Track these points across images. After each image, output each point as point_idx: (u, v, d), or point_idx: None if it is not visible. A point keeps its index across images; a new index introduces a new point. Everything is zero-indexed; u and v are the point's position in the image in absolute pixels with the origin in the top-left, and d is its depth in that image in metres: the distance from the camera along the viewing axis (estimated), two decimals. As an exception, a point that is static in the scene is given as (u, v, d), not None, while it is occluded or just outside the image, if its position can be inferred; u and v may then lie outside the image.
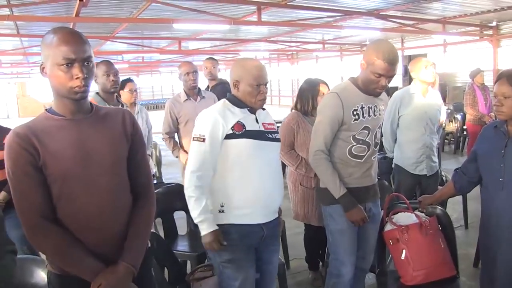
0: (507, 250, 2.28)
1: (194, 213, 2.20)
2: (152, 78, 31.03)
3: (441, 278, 2.64)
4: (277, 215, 2.43)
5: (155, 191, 3.36)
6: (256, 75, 2.28)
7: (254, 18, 9.42)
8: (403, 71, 14.80)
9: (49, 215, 1.62)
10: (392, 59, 2.40)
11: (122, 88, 4.73)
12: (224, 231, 2.24)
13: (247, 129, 2.25)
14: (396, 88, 8.02)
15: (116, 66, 3.59)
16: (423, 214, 2.77)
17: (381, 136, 3.01)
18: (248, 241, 2.30)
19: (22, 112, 28.30)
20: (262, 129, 2.33)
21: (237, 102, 2.31)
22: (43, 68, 1.64)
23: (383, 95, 2.69)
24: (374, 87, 2.49)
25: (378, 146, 2.72)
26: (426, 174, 3.78)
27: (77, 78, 1.59)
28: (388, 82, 2.47)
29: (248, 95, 2.28)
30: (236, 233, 2.25)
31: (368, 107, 2.55)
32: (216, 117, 2.22)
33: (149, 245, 1.90)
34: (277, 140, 2.41)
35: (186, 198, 2.23)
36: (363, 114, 2.53)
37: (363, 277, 2.89)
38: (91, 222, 1.66)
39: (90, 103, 1.76)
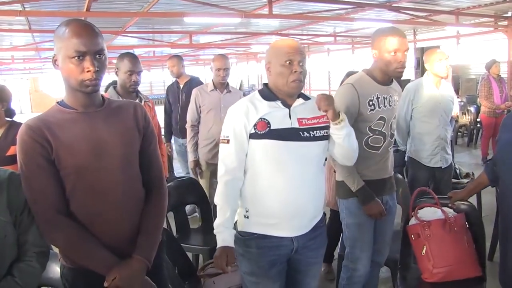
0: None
1: (215, 222, 2.02)
2: (163, 72, 31.01)
3: (464, 278, 2.53)
4: (314, 224, 2.13)
5: (167, 184, 3.42)
6: (287, 51, 1.98)
7: (266, 11, 9.35)
8: (415, 63, 14.64)
9: (63, 209, 1.62)
10: (398, 32, 2.44)
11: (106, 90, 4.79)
12: (245, 240, 2.07)
13: (272, 127, 1.97)
14: (408, 81, 7.93)
15: None
16: (451, 210, 2.68)
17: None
18: (274, 253, 2.06)
19: (35, 108, 28.53)
20: (296, 125, 2.00)
21: (267, 93, 2.05)
22: (55, 60, 1.63)
23: (397, 86, 2.67)
24: (394, 67, 2.45)
25: (394, 137, 2.70)
26: (440, 167, 3.73)
27: (88, 71, 1.58)
28: (405, 58, 2.45)
29: (280, 77, 1.99)
30: (256, 245, 2.04)
31: (383, 97, 2.52)
32: (238, 114, 2.00)
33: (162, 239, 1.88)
34: (319, 138, 2.05)
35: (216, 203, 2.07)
36: (378, 104, 2.50)
37: (377, 270, 2.87)
38: (105, 215, 1.66)
39: (102, 96, 1.75)
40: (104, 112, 1.71)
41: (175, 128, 5.18)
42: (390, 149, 2.66)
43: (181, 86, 5.12)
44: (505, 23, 12.53)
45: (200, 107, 4.21)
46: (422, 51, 14.03)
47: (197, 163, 4.28)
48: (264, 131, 1.97)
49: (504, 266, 2.37)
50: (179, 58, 5.31)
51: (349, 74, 3.50)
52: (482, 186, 2.75)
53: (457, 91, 11.06)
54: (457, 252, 2.54)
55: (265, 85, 2.12)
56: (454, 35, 14.67)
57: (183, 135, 4.83)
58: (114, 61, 3.41)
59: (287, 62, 1.98)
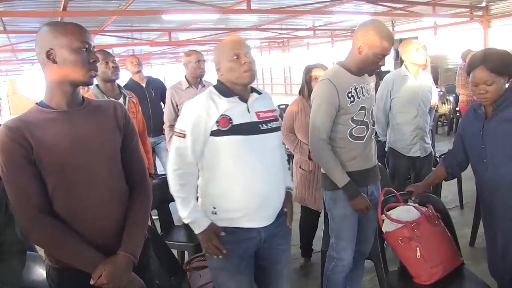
0: (504, 228, 2.31)
1: (183, 214, 2.04)
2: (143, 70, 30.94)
3: (452, 269, 2.50)
4: (280, 215, 2.18)
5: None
6: (231, 46, 2.05)
7: (244, 6, 9.37)
8: (394, 54, 14.77)
9: (46, 209, 1.61)
10: (392, 38, 2.43)
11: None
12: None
13: (234, 123, 2.00)
14: (388, 72, 8.02)
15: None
16: (417, 204, 2.65)
17: None
18: (243, 246, 2.09)
19: (13, 110, 28.04)
20: (255, 119, 2.06)
21: (224, 90, 2.07)
22: (50, 55, 1.63)
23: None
24: (373, 68, 2.49)
25: (375, 125, 2.73)
26: (420, 156, 3.81)
27: (93, 61, 1.67)
28: (384, 63, 2.49)
29: (231, 72, 2.04)
30: (226, 241, 2.05)
31: (361, 87, 2.54)
32: (198, 111, 2.00)
33: (147, 235, 1.89)
34: (275, 129, 2.13)
35: (174, 198, 2.08)
36: (357, 95, 2.52)
37: (362, 261, 2.91)
38: (90, 213, 1.66)
39: (82, 97, 1.77)
40: (84, 110, 1.72)
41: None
42: (373, 137, 2.69)
43: (143, 84, 5.05)
44: (480, 13, 12.79)
45: (177, 105, 4.18)
46: (400, 42, 14.16)
47: None
48: (227, 128, 1.99)
49: (493, 252, 2.41)
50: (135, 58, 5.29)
51: (305, 68, 3.57)
52: (441, 178, 2.75)
53: (436, 81, 11.21)
54: (446, 245, 2.52)
55: (219, 81, 2.14)
56: (431, 26, 14.88)
57: (155, 133, 4.86)
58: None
59: (235, 57, 2.03)
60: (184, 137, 2.02)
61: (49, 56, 1.63)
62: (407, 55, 3.73)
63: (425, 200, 2.69)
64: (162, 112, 5.14)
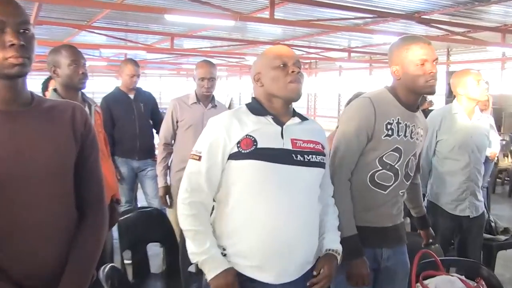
0: None
1: (197, 249, 1.99)
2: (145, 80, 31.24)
3: None
4: (307, 269, 2.11)
5: (126, 217, 3.41)
6: (278, 54, 2.09)
7: (266, 14, 9.48)
8: (446, 91, 14.80)
9: None
10: (422, 39, 2.45)
11: (46, 88, 4.71)
12: None
13: (259, 146, 1.99)
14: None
15: (92, 63, 3.47)
16: (463, 276, 2.59)
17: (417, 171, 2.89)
18: None
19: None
20: (289, 147, 2.04)
21: (256, 107, 2.11)
22: None
23: (423, 118, 2.68)
24: (424, 80, 2.43)
25: (409, 182, 2.65)
26: (469, 216, 3.74)
27: (11, 45, 1.53)
28: (436, 69, 2.44)
29: (273, 82, 2.07)
30: None
31: (406, 124, 2.51)
32: (218, 128, 2.03)
33: (96, 276, 1.86)
34: (316, 165, 2.10)
35: (185, 234, 2.05)
36: (398, 131, 2.48)
37: None
38: (23, 243, 1.60)
39: (31, 93, 1.72)
40: (32, 112, 1.66)
41: (129, 147, 5.04)
42: (402, 193, 2.61)
43: (131, 96, 5.08)
44: None
45: (177, 122, 4.24)
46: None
47: (167, 190, 4.31)
48: (249, 150, 1.99)
49: None
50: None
51: (357, 96, 3.47)
52: None
53: (498, 127, 11.11)
54: None
55: (254, 98, 2.18)
56: (498, 58, 14.83)
57: (141, 156, 4.89)
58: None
59: (281, 65, 2.06)
60: (199, 159, 2.04)
61: None
62: (463, 87, 3.71)
63: (475, 272, 2.64)
64: (151, 131, 5.19)
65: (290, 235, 2.01)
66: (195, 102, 4.25)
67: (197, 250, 1.99)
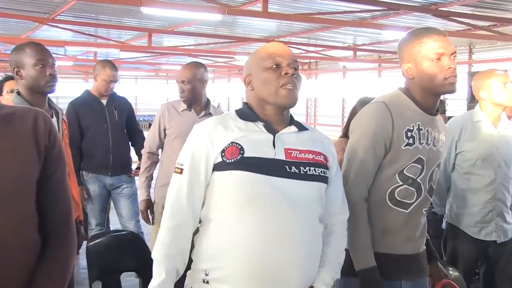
0: None
1: (153, 281, 2.01)
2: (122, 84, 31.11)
3: None
4: None
5: (97, 241, 3.39)
6: (272, 51, 2.09)
7: (258, 7, 9.49)
8: (468, 95, 14.86)
9: None
10: (436, 30, 2.45)
11: (0, 92, 4.70)
12: None
13: (245, 154, 1.98)
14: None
15: (56, 62, 3.44)
16: None
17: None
18: None
19: None
20: (282, 157, 2.03)
21: (247, 113, 2.12)
22: None
23: (442, 122, 2.68)
24: (442, 76, 2.40)
25: (432, 195, 2.65)
26: (496, 241, 3.73)
27: None
28: (454, 64, 2.42)
29: (264, 86, 2.07)
30: None
31: (427, 130, 2.49)
32: (201, 136, 2.05)
33: None
34: (312, 178, 2.07)
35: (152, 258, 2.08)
36: (419, 138, 2.46)
37: None
38: None
39: None
40: None
41: (101, 161, 5.01)
42: (425, 211, 2.60)
43: (104, 101, 5.05)
44: None
45: (164, 130, 4.26)
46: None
47: (149, 204, 4.34)
48: (234, 159, 1.98)
49: None
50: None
51: (363, 102, 3.45)
52: None
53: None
54: None
55: (245, 103, 2.19)
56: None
57: (115, 171, 4.90)
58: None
59: (274, 66, 2.06)
60: (181, 172, 2.05)
61: None
62: (487, 91, 3.69)
63: None
64: (127, 142, 5.17)
65: (281, 259, 1.97)
66: (185, 109, 4.27)
67: (153, 283, 2.01)
